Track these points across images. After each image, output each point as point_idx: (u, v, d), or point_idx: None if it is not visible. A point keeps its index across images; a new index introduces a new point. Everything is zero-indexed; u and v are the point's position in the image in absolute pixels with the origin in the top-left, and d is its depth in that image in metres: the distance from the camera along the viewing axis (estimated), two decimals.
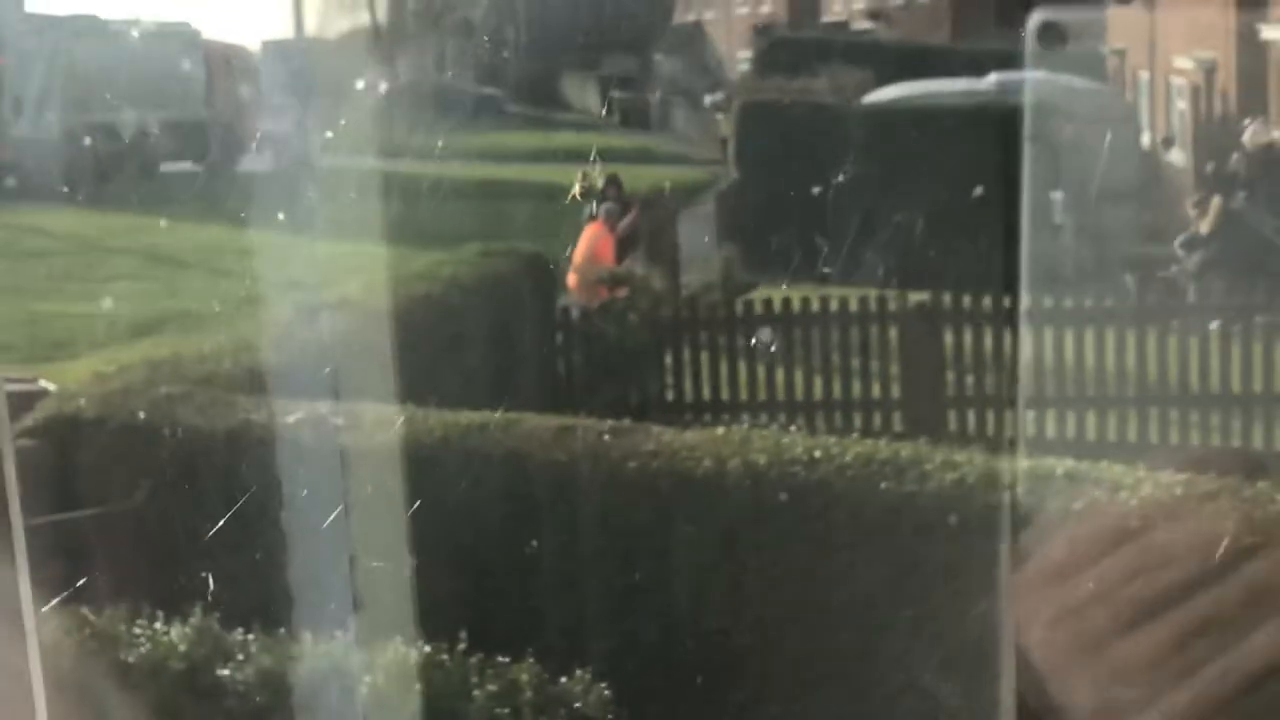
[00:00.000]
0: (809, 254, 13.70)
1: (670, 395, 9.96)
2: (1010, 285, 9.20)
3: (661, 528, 5.15)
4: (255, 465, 5.46)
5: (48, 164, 19.39)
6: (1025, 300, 8.80)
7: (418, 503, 5.00)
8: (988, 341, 9.56)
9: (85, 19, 23.34)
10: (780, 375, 9.85)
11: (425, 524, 4.94)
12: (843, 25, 39.73)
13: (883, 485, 4.90)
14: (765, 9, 46.80)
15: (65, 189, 18.82)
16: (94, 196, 18.47)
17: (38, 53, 21.47)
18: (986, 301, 9.55)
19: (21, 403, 6.32)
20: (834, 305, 9.89)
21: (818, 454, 5.06)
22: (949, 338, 9.63)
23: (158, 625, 4.39)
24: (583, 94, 39.72)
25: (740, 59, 43.49)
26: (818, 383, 9.78)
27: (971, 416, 9.51)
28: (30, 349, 10.45)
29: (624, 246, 11.63)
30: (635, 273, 10.99)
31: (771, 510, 5.01)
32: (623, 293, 10.27)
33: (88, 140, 20.99)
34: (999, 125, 8.32)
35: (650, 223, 12.95)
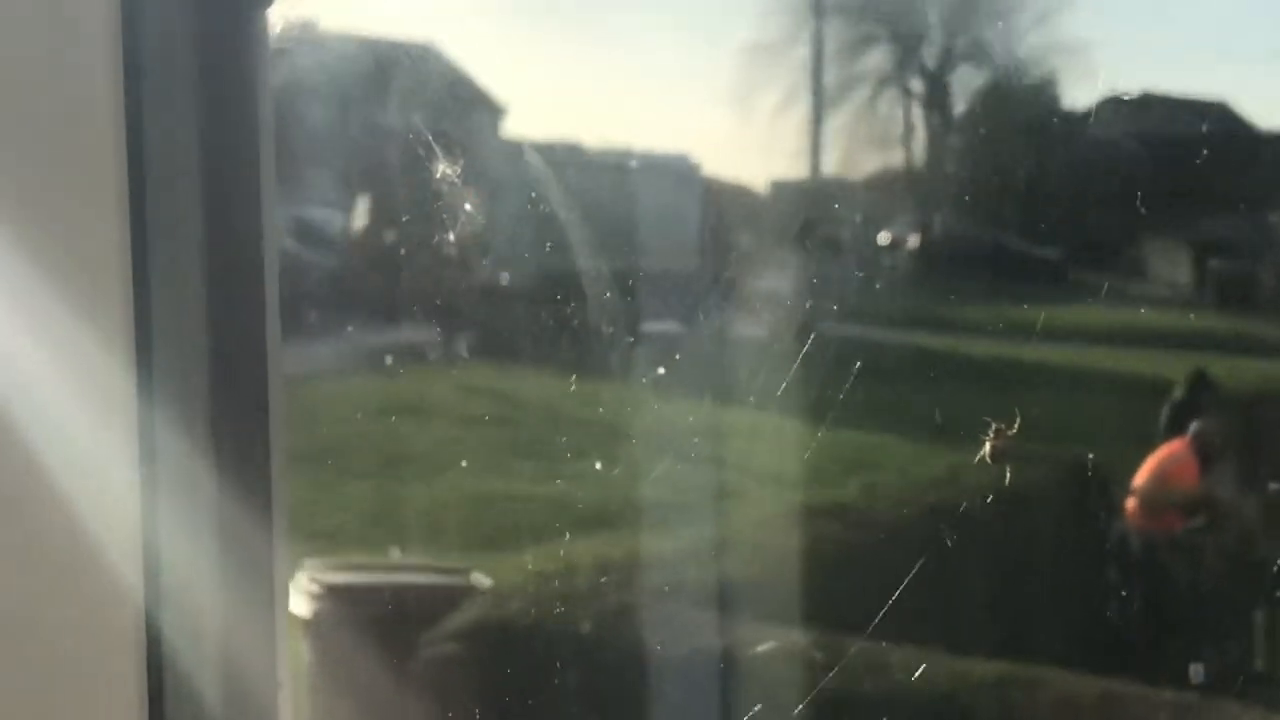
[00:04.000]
0: None
1: (1260, 664, 9.45)
2: None
3: None
4: (713, 701, 5.55)
5: (508, 318, 20.73)
6: None
7: None
8: None
9: (567, 147, 25.02)
10: None
11: None
12: None
13: None
14: None
15: (531, 348, 20.04)
16: (562, 358, 19.57)
17: (509, 185, 23.19)
18: None
19: (450, 598, 6.69)
20: None
21: None
22: None
23: None
24: (1168, 261, 38.87)
25: None
26: None
27: None
28: (468, 535, 11.05)
29: (1209, 466, 11.13)
30: (1222, 496, 10.53)
31: None
32: (1202, 521, 9.89)
33: (562, 292, 22.30)
34: None
35: (1246, 432, 12.42)
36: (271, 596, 1.21)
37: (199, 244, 1.14)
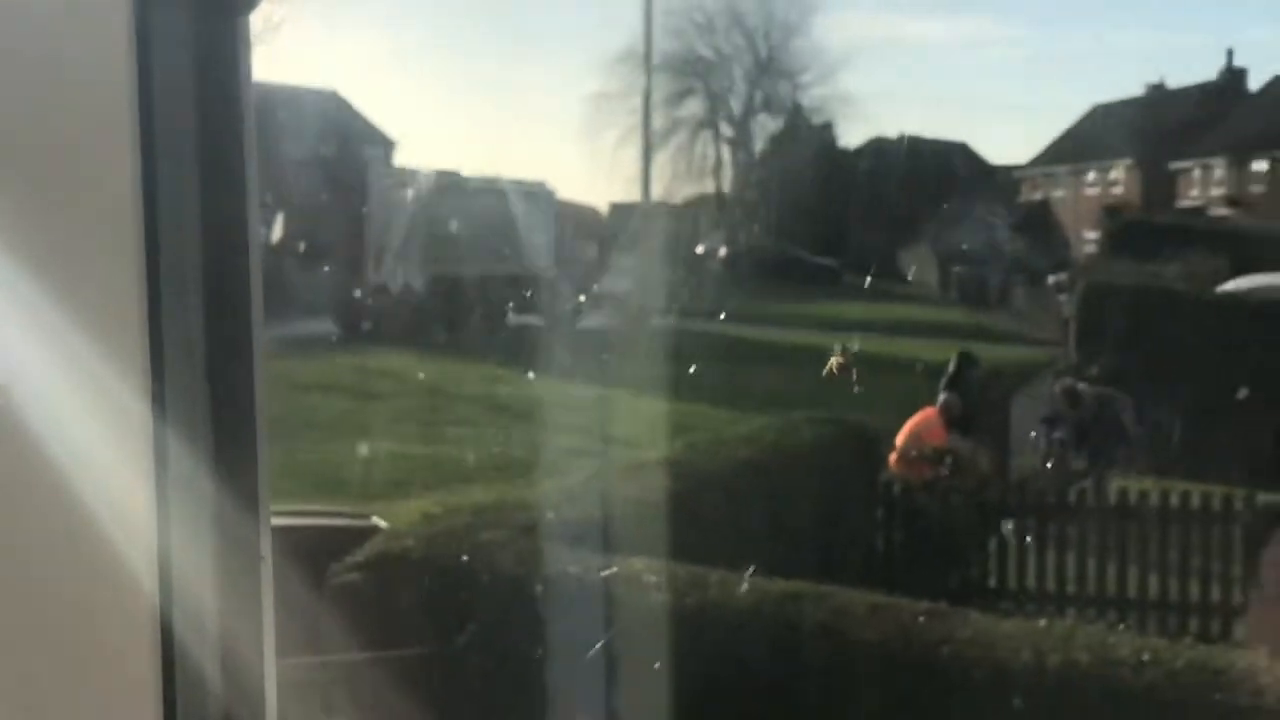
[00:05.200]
0: (1150, 443, 13.15)
1: (992, 581, 9.65)
2: None
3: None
4: (566, 616, 5.55)
5: (401, 312, 20.54)
6: None
7: (722, 666, 4.97)
8: None
9: (447, 174, 24.84)
10: (1111, 571, 9.42)
11: (725, 692, 4.91)
12: (1198, 211, 38.54)
13: (1216, 697, 4.60)
14: (1116, 190, 45.82)
15: (415, 336, 19.86)
16: (442, 344, 19.44)
17: (401, 205, 22.92)
18: None
19: (354, 538, 6.62)
20: (1174, 500, 9.45)
21: (1146, 657, 4.80)
22: None
23: None
24: (922, 267, 39.59)
25: (1088, 239, 42.64)
26: (1152, 581, 9.31)
27: None
28: (367, 486, 10.99)
29: (954, 426, 11.34)
30: (960, 451, 10.73)
31: (1092, 714, 4.76)
32: (946, 471, 10.08)
33: (441, 290, 22.17)
34: None
35: (983, 402, 12.66)
36: (259, 580, 1.14)
37: (198, 257, 1.07)
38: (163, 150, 1.00)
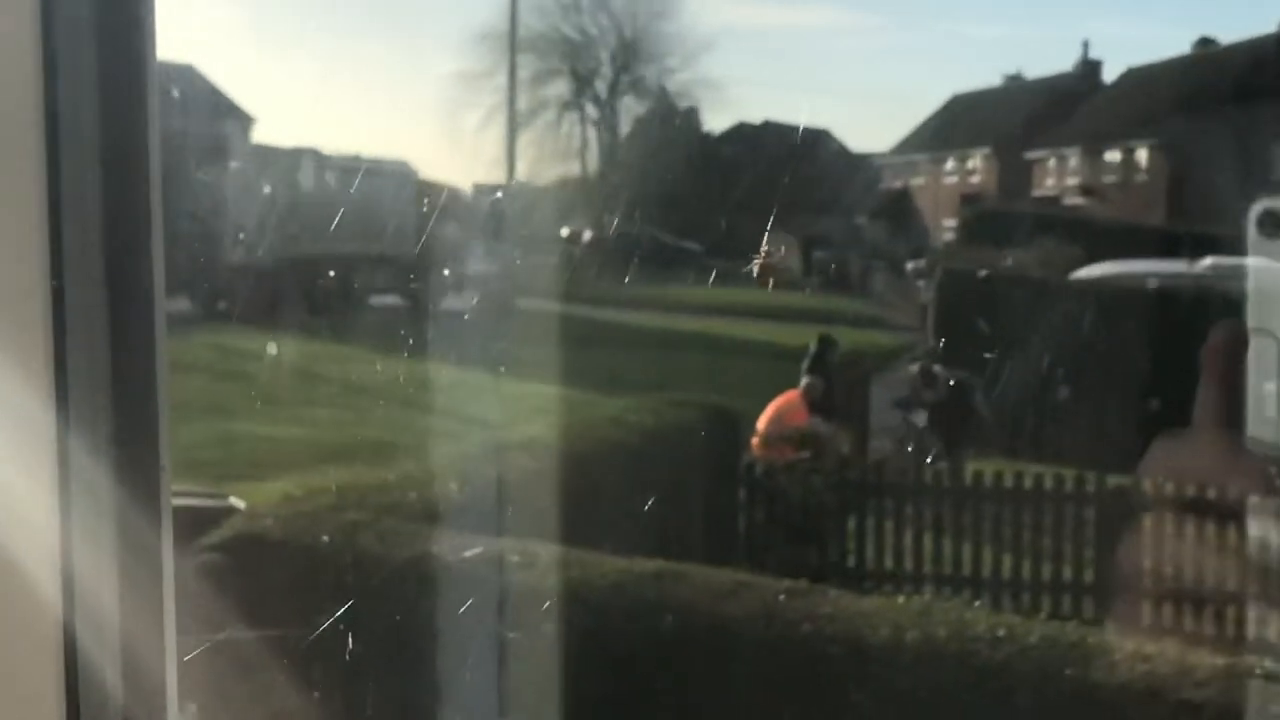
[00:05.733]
0: (1003, 427, 13.45)
1: (851, 561, 9.81)
2: None
3: (831, 695, 5.04)
4: (428, 596, 5.53)
5: (260, 291, 20.21)
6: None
7: (581, 646, 4.99)
8: (1189, 531, 9.23)
9: (307, 152, 24.47)
10: (967, 551, 9.64)
11: (588, 670, 4.92)
12: (1054, 200, 39.50)
13: (1068, 671, 4.73)
14: (974, 179, 46.77)
15: (275, 315, 19.56)
16: (302, 325, 19.17)
17: (259, 182, 22.54)
18: (1189, 489, 9.23)
19: (211, 518, 6.52)
20: (1028, 482, 9.69)
21: (1001, 632, 4.92)
22: (1149, 524, 9.32)
23: None
24: (784, 252, 39.83)
25: (946, 227, 43.46)
26: (1006, 560, 9.55)
27: (1168, 608, 9.15)
28: (225, 467, 10.80)
29: (815, 409, 11.49)
30: (821, 433, 10.88)
31: (948, 687, 4.87)
32: (807, 453, 10.21)
33: (300, 270, 21.86)
34: (1212, 309, 8.14)
35: (843, 385, 12.84)
36: (161, 581, 1.13)
37: (99, 240, 1.05)
38: (66, 131, 0.99)
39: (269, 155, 24.17)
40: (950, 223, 39.29)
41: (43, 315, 0.99)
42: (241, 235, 22.68)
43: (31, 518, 1.00)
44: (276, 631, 5.76)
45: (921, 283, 25.41)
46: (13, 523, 1.00)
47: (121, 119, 1.02)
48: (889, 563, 9.73)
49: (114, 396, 1.06)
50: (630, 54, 47.75)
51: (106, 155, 1.02)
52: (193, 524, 6.41)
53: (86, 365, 1.03)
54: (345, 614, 5.68)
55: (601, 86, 48.51)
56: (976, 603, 7.38)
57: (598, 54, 48.63)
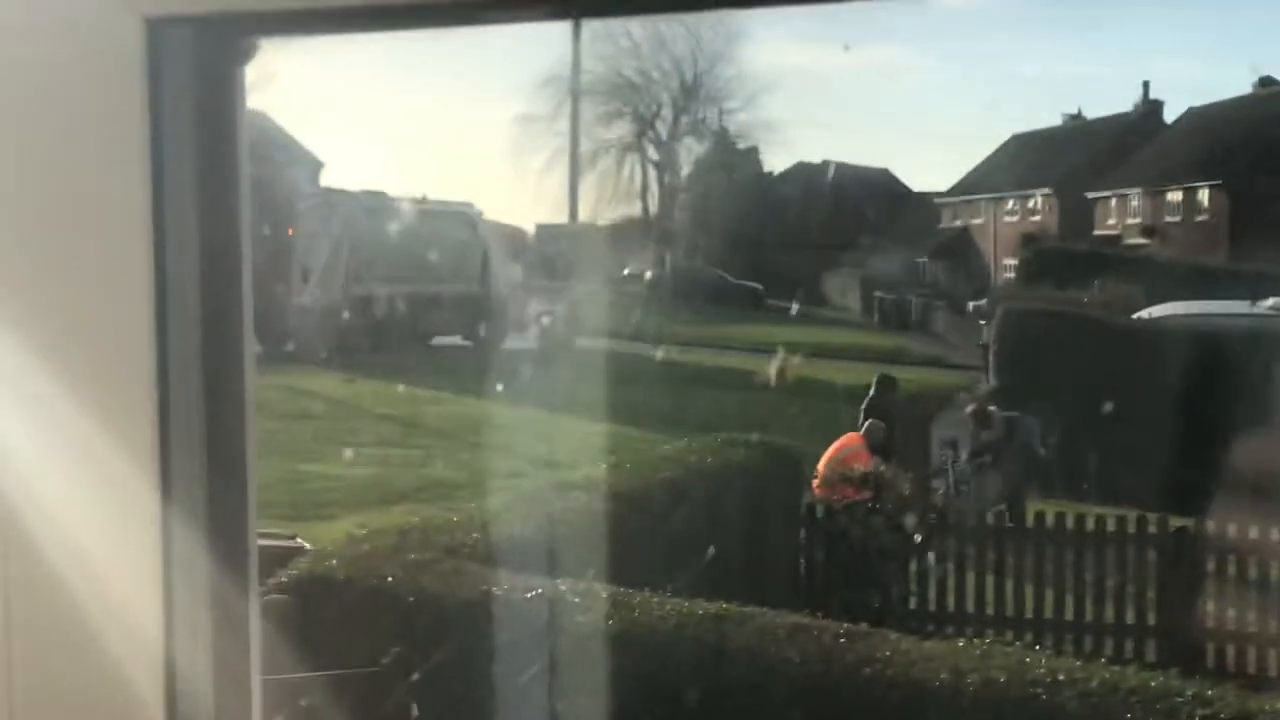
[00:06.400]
0: (1062, 467, 13.34)
1: (913, 603, 9.75)
2: None
3: None
4: (491, 637, 5.56)
5: (326, 332, 20.39)
6: None
7: (645, 687, 4.99)
8: (1252, 572, 9.12)
9: (374, 195, 24.69)
10: (1029, 593, 9.55)
11: (650, 712, 4.93)
12: (1115, 239, 39.20)
13: (1128, 717, 4.69)
14: (1035, 218, 46.49)
15: (340, 356, 19.72)
16: (367, 365, 19.33)
17: (326, 225, 22.74)
18: (1253, 532, 9.13)
19: (278, 558, 6.58)
20: (1089, 524, 9.61)
21: (1061, 677, 4.88)
22: (1212, 566, 9.22)
23: None
24: (843, 292, 39.90)
25: (1006, 266, 43.20)
26: (1068, 603, 9.45)
27: (1231, 650, 9.04)
28: (292, 507, 10.90)
29: (876, 450, 11.42)
30: (884, 475, 10.83)
31: None
32: (869, 495, 10.16)
33: (366, 311, 22.04)
34: (1275, 349, 8.07)
35: (902, 425, 12.79)
36: (247, 627, 1.16)
37: (197, 280, 1.11)
38: (170, 183, 1.06)
39: (337, 198, 24.37)
40: (1011, 261, 39.06)
41: (149, 399, 1.05)
42: (308, 277, 22.92)
43: (134, 568, 1.05)
44: (341, 670, 5.81)
45: (983, 322, 25.30)
46: (116, 581, 1.05)
47: (218, 220, 1.09)
48: (950, 604, 9.66)
49: (209, 471, 1.12)
50: (691, 96, 47.98)
51: (205, 250, 1.09)
52: (262, 564, 6.47)
53: (186, 449, 1.09)
54: (407, 653, 5.72)
55: (662, 128, 48.75)
56: (1037, 646, 7.30)
57: (659, 96, 48.91)
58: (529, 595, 5.69)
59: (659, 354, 20.07)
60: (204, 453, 1.10)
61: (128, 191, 1.03)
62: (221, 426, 1.11)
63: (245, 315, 1.12)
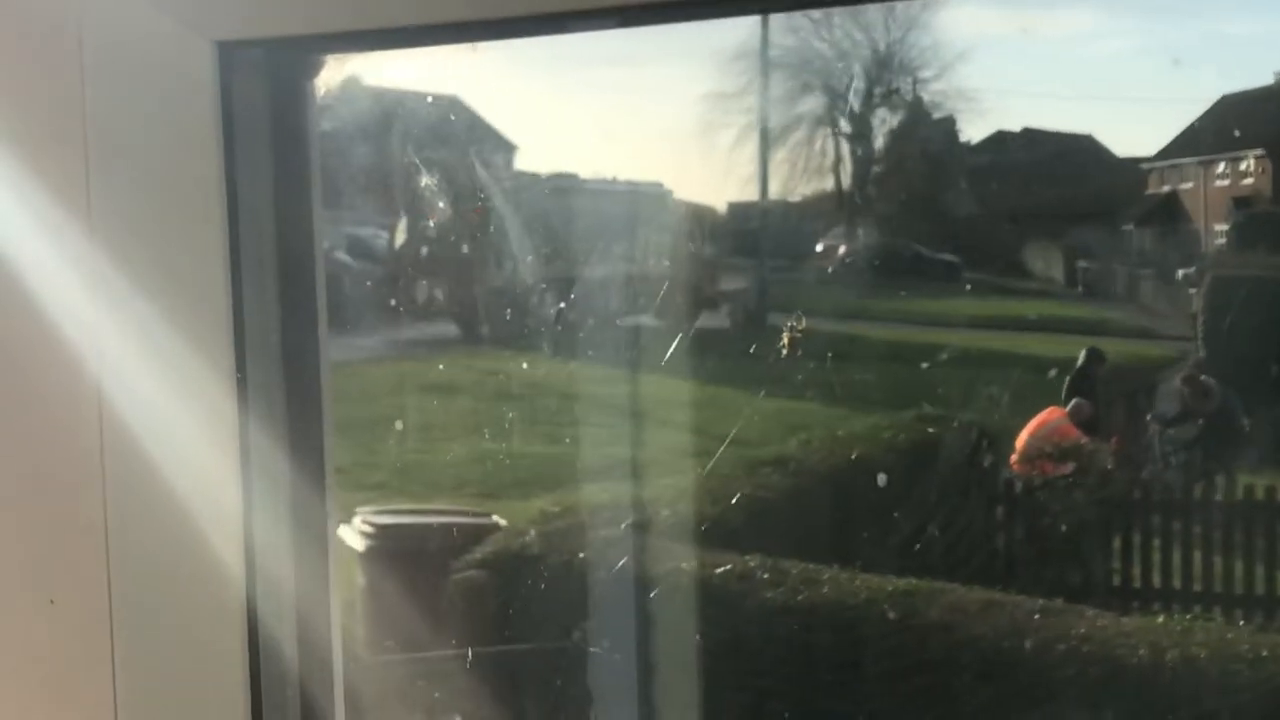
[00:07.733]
0: (1276, 441, 12.86)
1: (1116, 580, 9.55)
2: None
3: (1080, 715, 4.95)
4: (680, 613, 5.64)
5: (518, 314, 20.66)
6: None
7: (835, 663, 5.02)
8: None
9: (565, 177, 24.94)
10: (1239, 568, 9.27)
11: (840, 689, 4.95)
12: None
13: None
14: (1247, 181, 44.80)
15: (532, 337, 19.95)
16: (558, 345, 19.57)
17: (519, 208, 23.04)
18: None
19: (474, 535, 6.78)
20: None
21: (1265, 653, 4.76)
22: None
23: None
24: (1046, 263, 38.89)
25: (1216, 232, 41.66)
26: (1278, 579, 9.16)
27: None
28: (487, 485, 11.13)
29: (1082, 426, 11.16)
30: (1086, 448, 10.60)
31: (1210, 710, 4.74)
32: (1069, 469, 9.98)
33: (555, 292, 22.30)
34: None
35: (1109, 398, 12.47)
36: (327, 557, 1.25)
37: (273, 261, 1.19)
38: (244, 186, 1.13)
39: (529, 181, 24.67)
40: (1221, 227, 37.66)
41: (226, 321, 1.14)
42: (501, 260, 23.28)
43: (218, 502, 1.14)
44: (533, 645, 5.97)
45: (1192, 291, 24.41)
46: (202, 510, 1.15)
47: (292, 232, 1.17)
48: (1156, 581, 9.44)
49: (287, 397, 1.20)
50: (883, 66, 47.27)
51: (279, 203, 1.17)
52: (459, 539, 6.68)
53: (263, 368, 1.18)
54: (597, 629, 5.85)
55: (854, 100, 48.08)
56: (1242, 623, 7.11)
57: (850, 68, 48.26)
58: (718, 570, 5.76)
59: (853, 330, 19.90)
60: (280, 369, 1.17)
61: (207, 212, 1.11)
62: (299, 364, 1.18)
63: (320, 308, 1.19)
